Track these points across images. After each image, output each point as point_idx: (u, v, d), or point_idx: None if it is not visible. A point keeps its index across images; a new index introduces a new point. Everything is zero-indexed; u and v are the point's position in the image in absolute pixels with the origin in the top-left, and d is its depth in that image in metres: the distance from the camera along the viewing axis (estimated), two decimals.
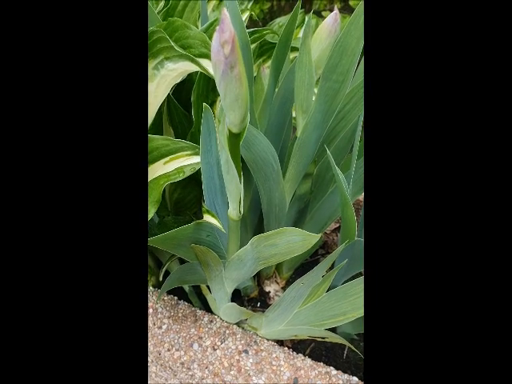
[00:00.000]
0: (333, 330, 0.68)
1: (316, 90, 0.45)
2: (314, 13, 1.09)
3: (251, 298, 0.72)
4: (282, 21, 0.70)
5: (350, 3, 0.89)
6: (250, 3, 0.69)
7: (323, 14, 0.94)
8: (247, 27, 0.84)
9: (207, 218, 0.39)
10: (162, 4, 0.55)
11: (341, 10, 0.98)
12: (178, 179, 0.35)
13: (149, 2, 0.55)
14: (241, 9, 0.53)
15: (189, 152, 0.37)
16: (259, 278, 0.73)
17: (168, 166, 0.37)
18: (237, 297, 0.71)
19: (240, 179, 0.32)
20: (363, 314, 0.50)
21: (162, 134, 0.47)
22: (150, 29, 0.34)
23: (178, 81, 0.37)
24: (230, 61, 0.23)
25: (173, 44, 0.32)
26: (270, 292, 0.73)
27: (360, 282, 0.42)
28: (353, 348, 0.52)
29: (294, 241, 0.35)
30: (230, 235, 0.40)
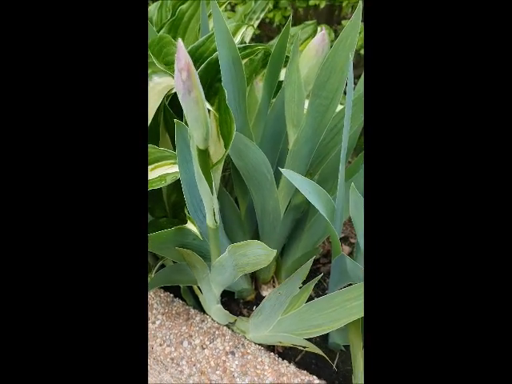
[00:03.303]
0: (325, 339, 0.68)
1: (306, 105, 0.46)
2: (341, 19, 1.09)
3: (248, 301, 0.74)
4: (293, 31, 0.71)
5: None
6: (263, 13, 0.70)
7: (343, 22, 0.94)
8: (259, 34, 0.85)
9: (189, 224, 0.41)
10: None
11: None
12: (160, 186, 0.38)
13: (156, 12, 0.57)
14: (235, 24, 0.55)
15: (172, 161, 0.39)
16: (256, 282, 0.75)
17: (154, 173, 0.39)
18: (233, 298, 0.73)
19: (212, 191, 0.34)
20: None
21: (158, 141, 0.49)
22: None
23: (168, 92, 0.39)
24: (187, 85, 0.25)
25: (155, 61, 0.34)
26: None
27: (333, 297, 0.43)
28: (327, 358, 0.53)
29: (258, 253, 0.36)
30: (210, 242, 0.42)
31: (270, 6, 0.85)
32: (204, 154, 0.30)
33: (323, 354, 0.54)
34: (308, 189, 0.42)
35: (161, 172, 0.39)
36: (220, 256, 0.42)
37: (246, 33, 0.67)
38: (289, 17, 1.14)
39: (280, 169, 0.40)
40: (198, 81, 0.25)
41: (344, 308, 0.42)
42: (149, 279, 0.53)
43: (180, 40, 0.23)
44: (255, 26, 0.66)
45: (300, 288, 0.45)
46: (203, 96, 0.26)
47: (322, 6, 0.94)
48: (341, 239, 0.88)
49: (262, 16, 0.69)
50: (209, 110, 0.47)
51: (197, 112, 0.26)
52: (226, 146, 0.42)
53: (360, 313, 0.41)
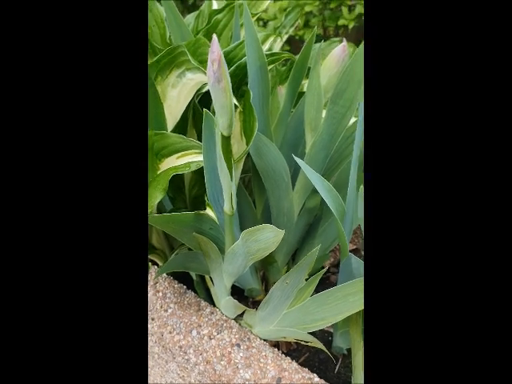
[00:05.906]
0: (329, 342, 0.70)
1: (324, 112, 0.49)
2: None
3: (257, 301, 0.76)
4: (322, 45, 0.75)
5: None
6: (292, 29, 0.75)
7: None
8: (289, 50, 0.89)
9: (208, 210, 0.45)
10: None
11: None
12: (184, 172, 0.41)
13: (193, 21, 0.63)
14: (265, 33, 0.59)
15: (198, 150, 0.43)
16: (267, 282, 0.77)
17: (179, 161, 0.43)
18: (243, 297, 0.75)
19: (231, 177, 0.38)
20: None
21: (185, 135, 0.53)
22: (176, 44, 0.41)
23: (198, 88, 0.43)
24: (217, 75, 0.29)
25: (190, 58, 0.38)
26: None
27: (336, 291, 0.45)
28: (330, 355, 0.55)
29: (269, 237, 0.39)
30: (225, 229, 0.45)
31: (300, 23, 0.90)
32: (227, 141, 0.34)
33: (325, 349, 0.56)
34: (322, 187, 0.45)
35: (187, 160, 0.43)
36: (234, 244, 0.46)
37: (275, 46, 0.72)
38: (318, 35, 1.18)
39: (299, 161, 0.43)
40: (227, 72, 0.29)
41: (346, 301, 0.45)
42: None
43: (215, 35, 0.27)
44: (284, 39, 0.71)
45: (306, 280, 0.48)
46: (230, 86, 0.29)
47: (351, 26, 0.99)
48: (352, 251, 0.90)
49: (290, 31, 0.73)
50: (236, 107, 0.51)
51: (224, 99, 0.30)
52: (247, 143, 0.46)
53: (360, 306, 0.44)
